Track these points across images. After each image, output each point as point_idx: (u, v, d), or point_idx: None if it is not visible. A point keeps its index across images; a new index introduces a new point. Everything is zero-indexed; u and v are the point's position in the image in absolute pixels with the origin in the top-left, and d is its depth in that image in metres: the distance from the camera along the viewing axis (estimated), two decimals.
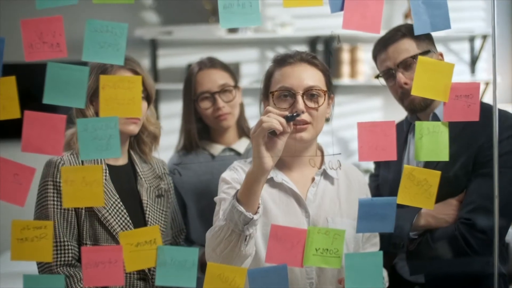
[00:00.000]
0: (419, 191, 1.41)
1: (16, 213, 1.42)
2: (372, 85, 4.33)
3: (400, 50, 1.97)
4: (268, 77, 1.75)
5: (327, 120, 1.78)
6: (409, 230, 1.89)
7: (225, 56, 4.25)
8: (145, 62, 4.26)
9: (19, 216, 1.35)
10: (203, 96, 2.21)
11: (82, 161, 1.75)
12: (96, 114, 1.80)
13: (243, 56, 4.32)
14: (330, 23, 4.03)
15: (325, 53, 4.34)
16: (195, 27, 4.07)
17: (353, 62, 4.29)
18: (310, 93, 1.66)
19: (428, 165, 1.87)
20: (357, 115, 4.38)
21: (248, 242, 1.49)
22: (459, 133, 1.86)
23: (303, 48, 4.29)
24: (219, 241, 1.50)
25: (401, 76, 1.95)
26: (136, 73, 1.88)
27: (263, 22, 4.30)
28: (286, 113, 1.47)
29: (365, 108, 4.42)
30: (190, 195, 2.21)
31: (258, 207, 1.49)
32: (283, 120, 1.44)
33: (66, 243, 1.74)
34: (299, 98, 1.63)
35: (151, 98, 1.95)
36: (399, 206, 1.43)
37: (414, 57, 1.93)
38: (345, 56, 4.28)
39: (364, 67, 4.33)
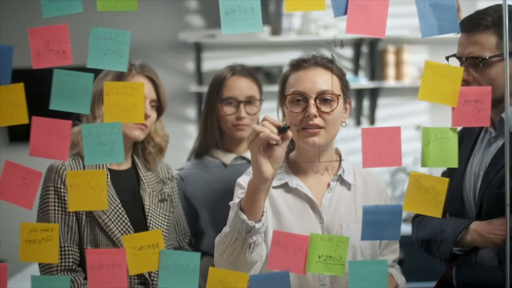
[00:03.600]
0: (426, 199, 1.37)
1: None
2: (418, 87, 4.22)
3: (475, 43, 1.71)
4: (284, 81, 1.74)
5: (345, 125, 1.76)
6: (452, 245, 1.75)
7: (269, 58, 4.28)
8: (190, 65, 4.33)
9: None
10: (229, 101, 2.22)
11: (84, 166, 1.78)
12: None
13: (287, 59, 4.27)
14: None
15: (369, 55, 4.29)
16: None
17: (398, 64, 4.21)
18: (323, 98, 1.64)
19: (487, 175, 1.74)
20: (402, 118, 4.31)
21: (253, 250, 1.50)
22: None
23: (348, 51, 4.28)
24: (225, 247, 1.51)
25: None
26: (152, 80, 1.91)
27: (307, 24, 4.28)
28: (281, 123, 1.46)
29: (411, 111, 4.33)
30: (202, 204, 2.21)
31: (263, 215, 1.49)
32: (275, 130, 1.44)
33: (67, 248, 1.77)
34: (311, 102, 1.62)
35: (163, 109, 1.97)
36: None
37: (484, 59, 1.68)
38: (391, 58, 4.21)
39: (410, 68, 4.24)
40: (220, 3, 1.33)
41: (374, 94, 4.28)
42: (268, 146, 1.46)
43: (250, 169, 1.77)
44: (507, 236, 1.43)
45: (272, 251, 1.39)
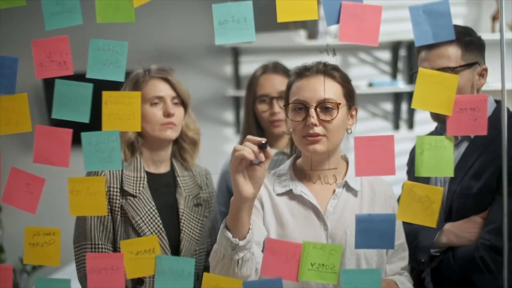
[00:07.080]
0: (420, 208, 1.35)
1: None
2: None
3: (442, 56, 1.82)
4: (288, 90, 1.75)
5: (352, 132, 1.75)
6: (430, 247, 1.84)
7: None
8: (227, 69, 4.37)
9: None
10: (262, 99, 2.26)
11: (122, 170, 1.83)
12: None
13: None
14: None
15: (407, 58, 4.22)
16: (275, 34, 4.09)
17: None
18: (324, 106, 1.63)
19: (454, 180, 1.83)
20: None
21: (242, 265, 1.50)
22: (486, 147, 1.77)
23: (385, 54, 4.22)
24: (215, 263, 1.53)
25: None
26: (167, 80, 1.96)
27: None
28: (263, 140, 1.44)
29: None
30: None
31: (248, 232, 1.50)
32: (256, 149, 1.43)
33: (100, 246, 1.84)
34: (312, 111, 1.62)
35: (186, 103, 2.01)
36: None
37: (454, 68, 1.79)
38: None
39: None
40: (214, 13, 1.36)
41: (412, 97, 4.20)
42: (250, 166, 1.46)
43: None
44: (506, 251, 1.41)
45: (265, 258, 1.40)
